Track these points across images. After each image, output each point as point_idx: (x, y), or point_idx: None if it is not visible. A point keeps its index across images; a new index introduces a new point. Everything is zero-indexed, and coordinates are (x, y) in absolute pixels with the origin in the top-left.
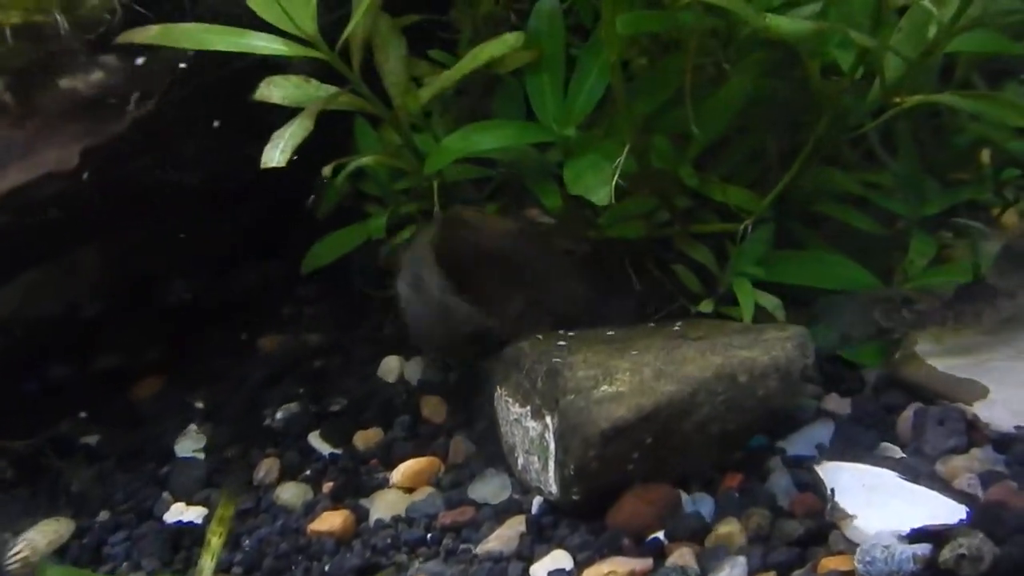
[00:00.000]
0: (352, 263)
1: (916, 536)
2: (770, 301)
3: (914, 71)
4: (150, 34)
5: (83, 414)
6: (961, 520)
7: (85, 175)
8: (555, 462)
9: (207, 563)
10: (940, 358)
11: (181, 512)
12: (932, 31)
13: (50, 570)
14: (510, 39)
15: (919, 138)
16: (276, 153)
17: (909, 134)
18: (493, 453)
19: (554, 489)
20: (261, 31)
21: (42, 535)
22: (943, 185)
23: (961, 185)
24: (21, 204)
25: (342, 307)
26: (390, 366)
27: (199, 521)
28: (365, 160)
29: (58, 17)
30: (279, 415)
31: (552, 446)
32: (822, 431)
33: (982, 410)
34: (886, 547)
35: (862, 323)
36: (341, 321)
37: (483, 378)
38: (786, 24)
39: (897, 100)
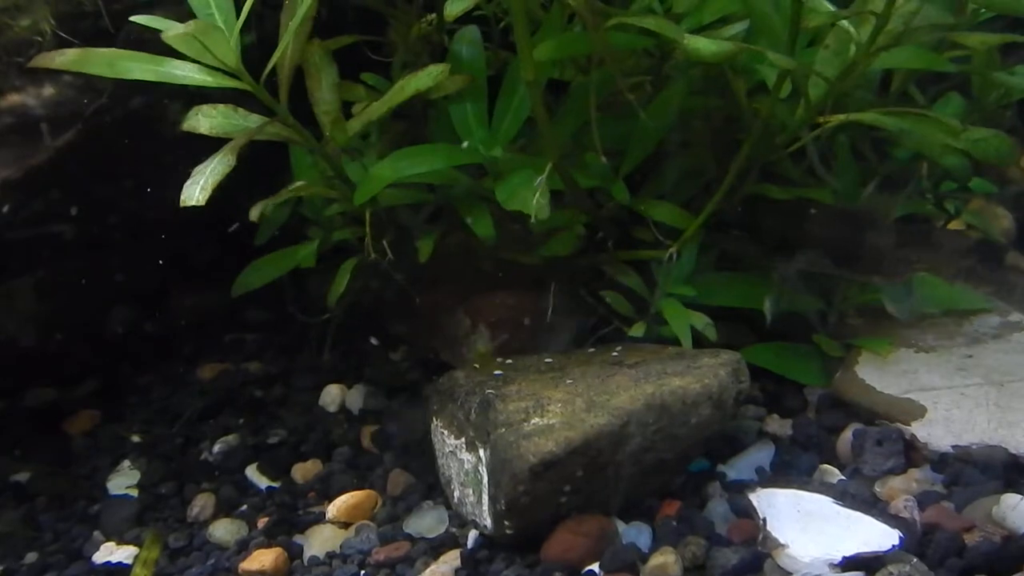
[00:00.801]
0: (289, 291)
1: (848, 564)
2: (700, 320)
3: (836, 90)
4: (67, 59)
5: (16, 452)
6: (894, 546)
7: (5, 208)
8: (488, 496)
9: None
10: (880, 378)
11: (111, 552)
12: (852, 51)
13: None
14: (435, 71)
15: (859, 153)
16: (196, 191)
17: (848, 149)
18: (431, 485)
19: (488, 523)
20: (185, 60)
21: None
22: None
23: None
24: None
25: (283, 336)
26: (331, 395)
27: (128, 562)
28: (296, 190)
29: None
30: (216, 448)
31: (485, 479)
32: (763, 454)
33: (920, 430)
34: None
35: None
36: (282, 350)
37: (424, 406)
38: (704, 45)
39: (820, 120)
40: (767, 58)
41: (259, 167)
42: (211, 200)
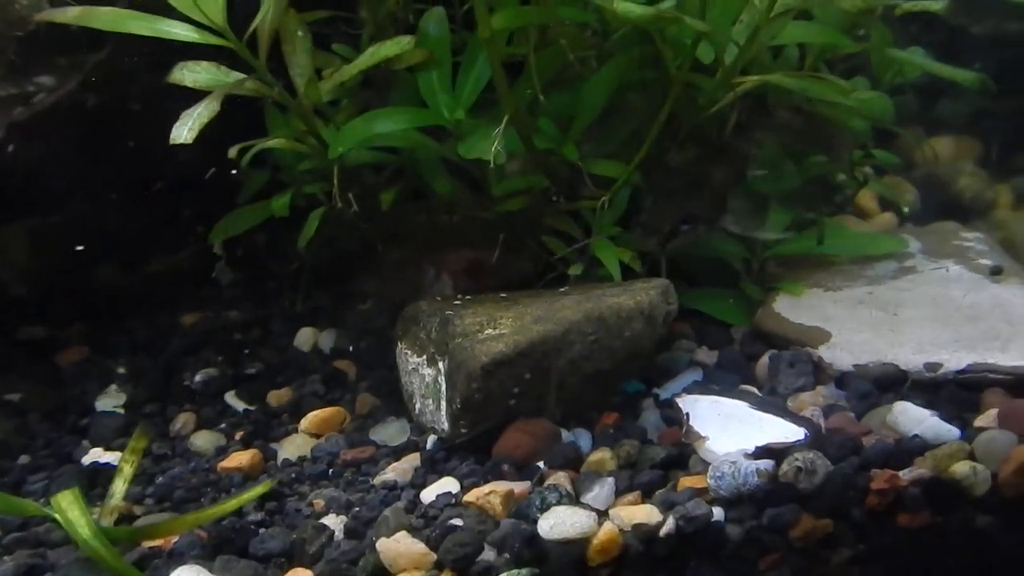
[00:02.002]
0: (262, 243)
1: (760, 453)
2: (625, 254)
3: (745, 54)
4: (70, 15)
5: (10, 376)
6: (799, 440)
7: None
8: (446, 400)
9: (119, 486)
10: (793, 312)
11: (99, 456)
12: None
13: None
14: (403, 41)
15: (782, 123)
16: (184, 131)
17: (770, 119)
18: (395, 405)
19: (446, 426)
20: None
21: None
22: (799, 167)
23: (816, 166)
24: None
25: (259, 289)
26: (305, 336)
27: (115, 463)
28: (271, 142)
29: None
30: (197, 378)
31: (443, 387)
32: (691, 377)
33: (826, 353)
34: (733, 463)
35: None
36: (258, 301)
37: (389, 344)
38: (632, 8)
39: (736, 81)
40: (687, 24)
41: (236, 136)
42: (196, 160)
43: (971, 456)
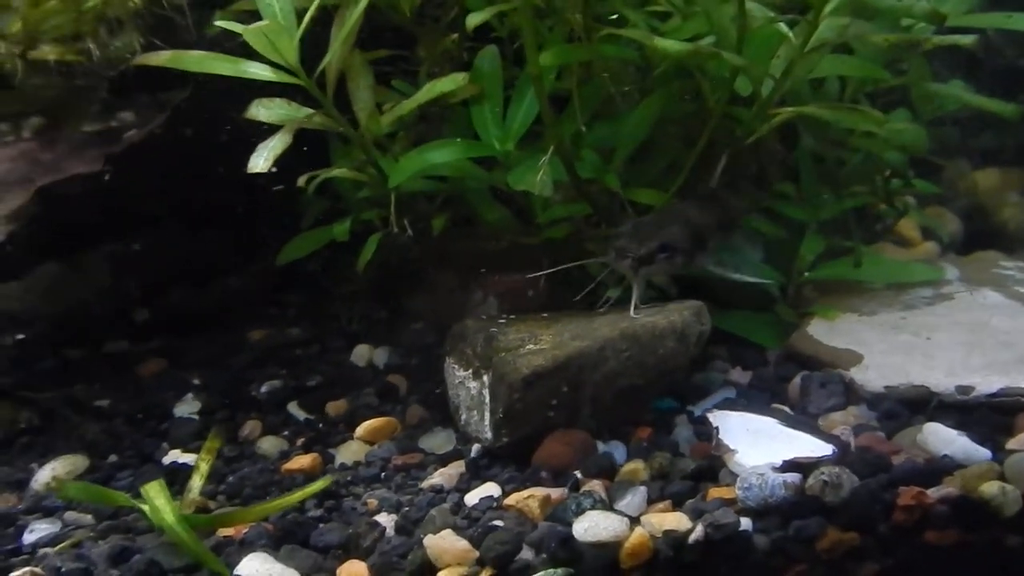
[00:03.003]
0: (321, 267)
1: (788, 466)
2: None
3: (780, 87)
4: (162, 58)
5: (96, 385)
6: (827, 456)
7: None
8: (489, 411)
9: (196, 482)
10: (827, 335)
11: (177, 456)
12: (788, 53)
13: (71, 486)
14: (458, 78)
15: (821, 156)
16: (260, 160)
17: (809, 152)
18: (443, 417)
19: (489, 435)
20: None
21: (62, 465)
22: (838, 196)
23: (854, 196)
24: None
25: (319, 306)
26: (361, 353)
27: (191, 463)
28: (335, 172)
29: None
30: (263, 389)
31: (487, 399)
32: (724, 396)
33: (858, 375)
34: (761, 475)
35: None
36: (317, 321)
37: (438, 361)
38: (670, 44)
39: (771, 112)
40: (724, 59)
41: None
42: (264, 188)
43: (1001, 477)
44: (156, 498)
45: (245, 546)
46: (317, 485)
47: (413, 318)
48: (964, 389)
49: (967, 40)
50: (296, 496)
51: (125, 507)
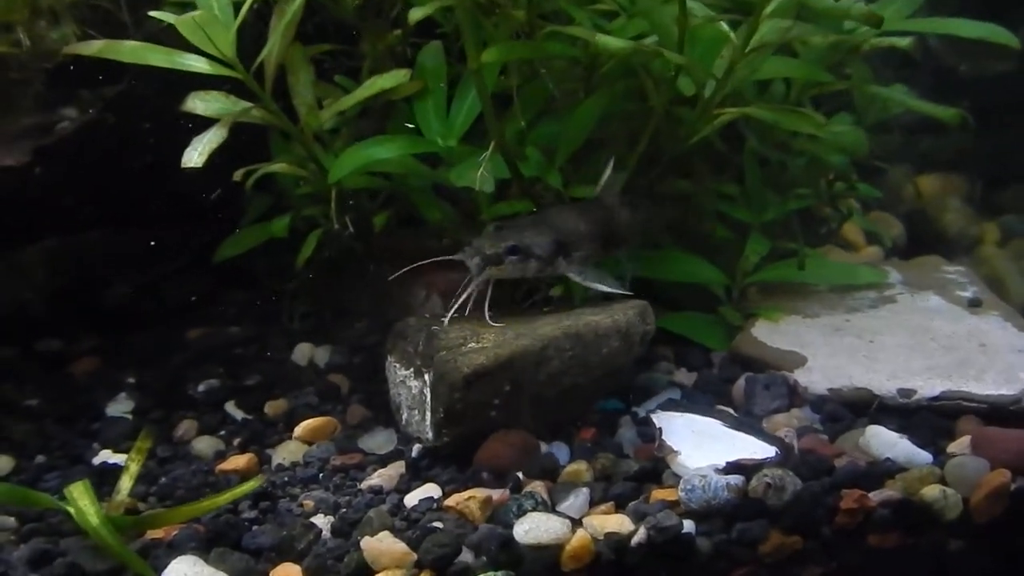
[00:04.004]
0: (262, 264)
1: (731, 468)
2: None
3: (723, 87)
4: (95, 47)
5: (28, 385)
6: (770, 457)
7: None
8: (430, 410)
9: (125, 483)
10: (771, 337)
11: (108, 457)
12: (730, 53)
13: None
14: (400, 74)
15: (765, 159)
16: (195, 155)
17: (754, 154)
18: (384, 417)
19: (430, 435)
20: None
21: None
22: (783, 199)
23: (799, 198)
24: None
25: (259, 305)
26: (302, 351)
27: (122, 463)
28: (274, 167)
29: None
30: (200, 388)
31: (428, 397)
32: (669, 397)
33: (801, 377)
34: (703, 477)
35: None
36: (258, 319)
37: (381, 360)
38: (612, 41)
39: (716, 112)
40: (667, 58)
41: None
42: (202, 184)
43: (942, 480)
44: (80, 499)
45: (174, 548)
46: (248, 485)
47: (356, 317)
48: (906, 392)
49: (903, 42)
50: (226, 496)
51: (51, 509)
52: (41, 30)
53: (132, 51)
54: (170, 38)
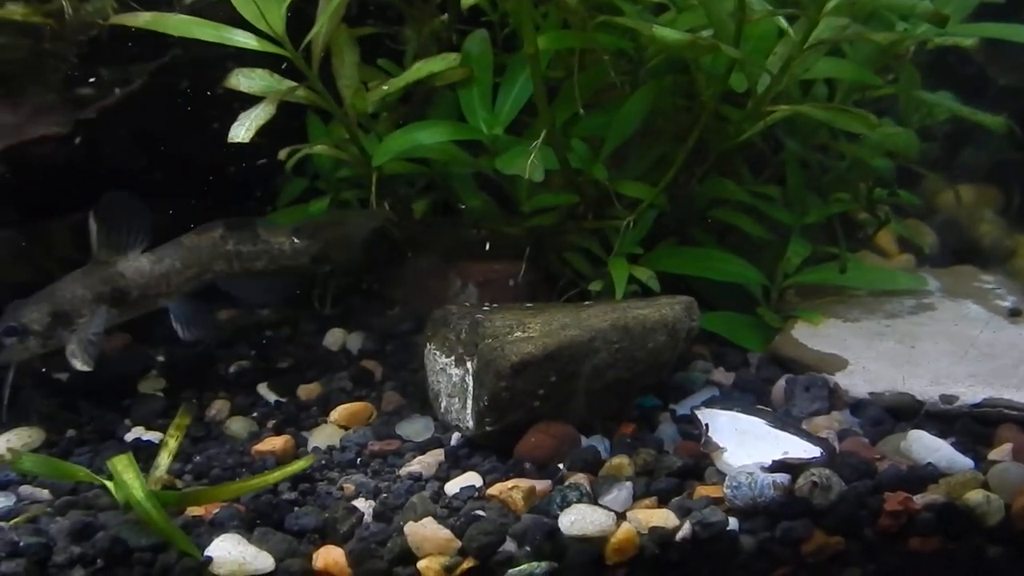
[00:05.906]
0: None
1: (777, 466)
2: (644, 273)
3: (776, 84)
4: (142, 20)
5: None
6: (815, 457)
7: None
8: (472, 398)
9: (164, 459)
10: (811, 340)
11: (140, 433)
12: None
13: (26, 459)
14: (449, 58)
15: (807, 162)
16: (242, 131)
17: (796, 157)
18: (419, 404)
19: (471, 424)
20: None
21: (17, 437)
22: (823, 201)
23: (839, 202)
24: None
25: (291, 292)
26: (334, 337)
27: (156, 441)
28: (315, 149)
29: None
30: (231, 369)
31: (471, 386)
32: (707, 395)
33: (842, 380)
34: (750, 474)
35: None
36: (290, 303)
37: (415, 347)
38: (669, 33)
39: (768, 109)
40: (722, 52)
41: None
42: (238, 167)
43: (984, 486)
44: (124, 472)
45: (216, 527)
46: (298, 465)
47: (388, 304)
48: (948, 398)
49: (967, 41)
50: (275, 475)
51: (85, 483)
52: (77, 1)
53: (179, 24)
54: (211, 14)
